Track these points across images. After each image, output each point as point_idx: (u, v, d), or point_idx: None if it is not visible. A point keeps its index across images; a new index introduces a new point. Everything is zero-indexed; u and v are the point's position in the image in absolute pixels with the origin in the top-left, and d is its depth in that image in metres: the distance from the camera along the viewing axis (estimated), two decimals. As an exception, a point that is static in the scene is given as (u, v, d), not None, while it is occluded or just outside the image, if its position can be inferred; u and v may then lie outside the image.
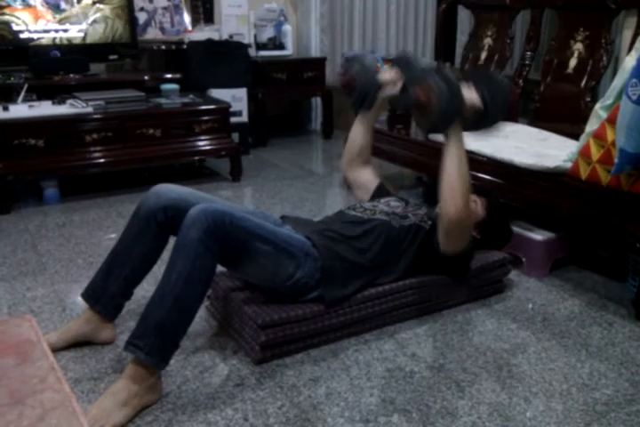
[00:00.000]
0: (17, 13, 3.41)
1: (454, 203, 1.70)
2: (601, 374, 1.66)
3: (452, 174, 1.71)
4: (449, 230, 1.77)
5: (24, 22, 3.43)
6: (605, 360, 1.72)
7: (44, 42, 3.51)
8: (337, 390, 1.58)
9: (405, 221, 1.90)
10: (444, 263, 1.89)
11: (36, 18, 3.47)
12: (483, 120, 1.74)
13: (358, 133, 2.13)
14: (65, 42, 3.55)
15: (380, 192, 2.12)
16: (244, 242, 1.59)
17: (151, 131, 3.16)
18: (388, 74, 1.92)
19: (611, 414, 1.49)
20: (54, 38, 3.53)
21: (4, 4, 3.35)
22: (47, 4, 3.46)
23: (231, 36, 3.99)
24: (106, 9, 3.61)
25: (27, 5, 3.42)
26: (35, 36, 3.47)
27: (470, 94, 1.69)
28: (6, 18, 3.38)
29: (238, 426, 1.44)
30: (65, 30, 3.54)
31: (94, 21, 3.60)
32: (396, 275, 1.86)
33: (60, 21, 3.53)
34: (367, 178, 2.16)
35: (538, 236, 2.23)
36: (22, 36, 3.44)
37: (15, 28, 3.41)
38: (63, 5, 3.51)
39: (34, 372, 0.96)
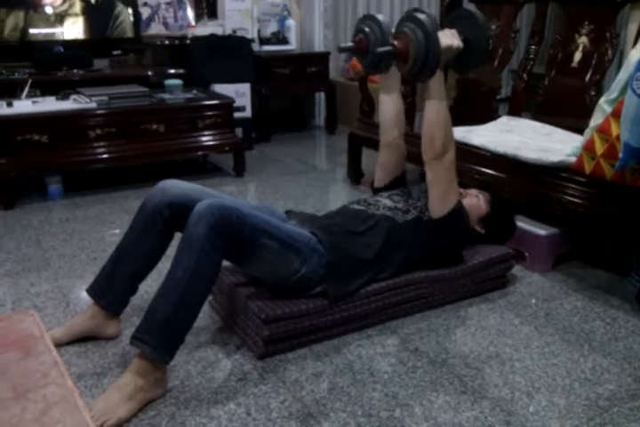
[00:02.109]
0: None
1: (432, 147, 1.81)
2: (604, 369, 1.66)
3: (432, 120, 1.80)
4: (431, 179, 1.84)
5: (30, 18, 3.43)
6: (608, 355, 1.72)
7: (47, 37, 3.51)
8: (340, 384, 1.58)
9: (408, 216, 1.90)
10: (441, 243, 1.90)
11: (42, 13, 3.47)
12: (466, 60, 1.80)
13: (386, 104, 2.08)
14: (68, 37, 3.55)
15: (399, 182, 2.16)
16: (250, 238, 1.59)
17: (155, 126, 3.16)
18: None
19: (613, 409, 1.49)
20: (58, 34, 3.53)
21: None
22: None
23: (234, 31, 3.99)
24: (110, 4, 3.61)
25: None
26: (39, 31, 3.47)
27: (451, 37, 1.72)
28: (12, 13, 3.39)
29: (241, 421, 1.45)
30: (69, 26, 3.54)
31: (98, 16, 3.60)
32: (400, 271, 1.86)
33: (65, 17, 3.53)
34: (398, 161, 2.18)
35: (541, 231, 2.23)
36: (27, 31, 3.44)
37: (20, 23, 3.41)
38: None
39: (37, 366, 0.97)
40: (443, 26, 1.80)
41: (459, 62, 1.83)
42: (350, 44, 1.82)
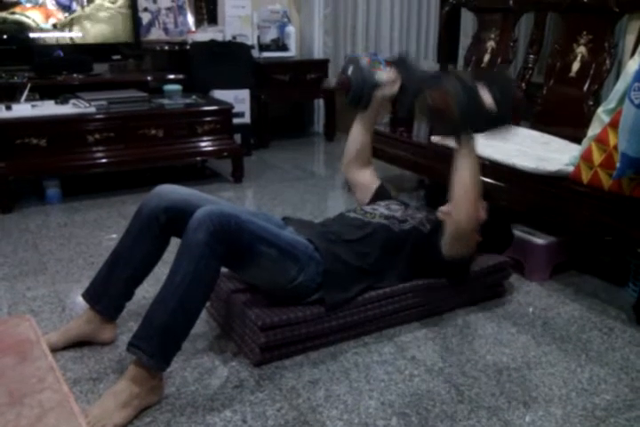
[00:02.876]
0: (27, 13, 3.42)
1: (466, 209, 1.71)
2: (601, 379, 1.65)
3: (466, 181, 1.69)
4: (457, 235, 1.77)
5: (34, 21, 3.43)
6: (605, 365, 1.72)
7: (48, 41, 3.51)
8: (336, 392, 1.58)
9: (405, 225, 1.90)
10: (444, 267, 1.88)
11: (47, 17, 3.47)
12: (496, 121, 1.72)
13: (357, 134, 2.13)
14: (69, 41, 3.56)
15: (380, 194, 2.13)
16: (248, 245, 1.59)
17: (153, 131, 3.16)
18: (386, 74, 1.94)
19: (610, 420, 1.49)
20: (58, 38, 3.53)
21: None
22: (58, 3, 3.47)
23: (234, 37, 3.99)
24: (110, 9, 3.62)
25: (36, 4, 3.43)
26: (41, 35, 3.48)
27: (485, 96, 1.66)
28: (16, 17, 3.39)
29: (237, 428, 1.44)
30: (70, 30, 3.54)
31: (99, 21, 3.60)
32: (396, 279, 1.86)
33: (71, 21, 3.53)
34: (367, 179, 2.17)
35: (539, 240, 2.23)
36: (29, 35, 3.45)
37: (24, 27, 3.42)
38: (75, 6, 3.52)
39: (33, 372, 0.96)
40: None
41: (487, 122, 1.73)
42: (334, 83, 1.91)
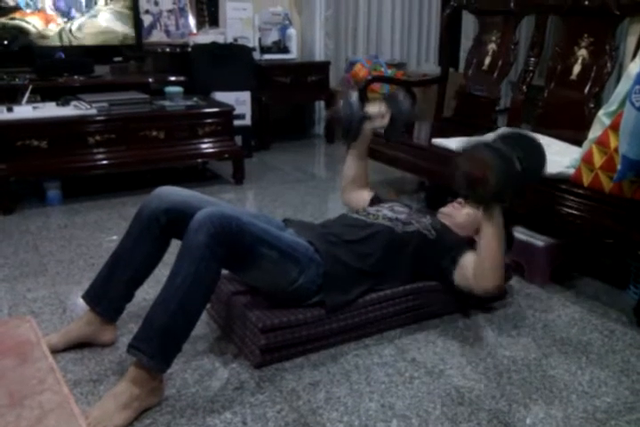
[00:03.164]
0: (27, 18, 3.43)
1: (494, 276, 1.72)
2: (601, 381, 1.65)
3: (494, 249, 1.69)
4: (484, 293, 1.78)
5: (34, 26, 3.44)
6: (606, 368, 1.72)
7: (49, 43, 3.52)
8: (336, 394, 1.57)
9: (409, 228, 1.90)
10: (445, 276, 1.89)
11: (47, 22, 3.48)
12: (524, 189, 1.73)
13: (351, 164, 2.23)
14: (70, 43, 3.56)
15: (375, 201, 2.17)
16: (249, 247, 1.59)
17: (154, 133, 3.17)
18: (374, 108, 2.07)
19: (611, 422, 1.49)
20: (60, 39, 3.54)
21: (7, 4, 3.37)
22: (57, 9, 3.48)
23: (236, 40, 4.00)
24: (112, 11, 3.62)
25: (36, 9, 3.43)
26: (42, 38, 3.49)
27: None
28: (16, 22, 3.40)
29: (237, 430, 1.44)
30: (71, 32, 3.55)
31: (100, 23, 3.61)
32: (397, 281, 1.86)
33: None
34: (363, 199, 2.22)
35: (539, 242, 2.23)
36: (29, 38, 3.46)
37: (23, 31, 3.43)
38: (74, 12, 3.52)
39: (33, 373, 0.96)
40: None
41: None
42: (330, 119, 2.07)
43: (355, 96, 1.99)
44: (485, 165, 1.59)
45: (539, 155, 1.72)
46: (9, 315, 1.95)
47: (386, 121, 2.06)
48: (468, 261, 1.80)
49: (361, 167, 2.22)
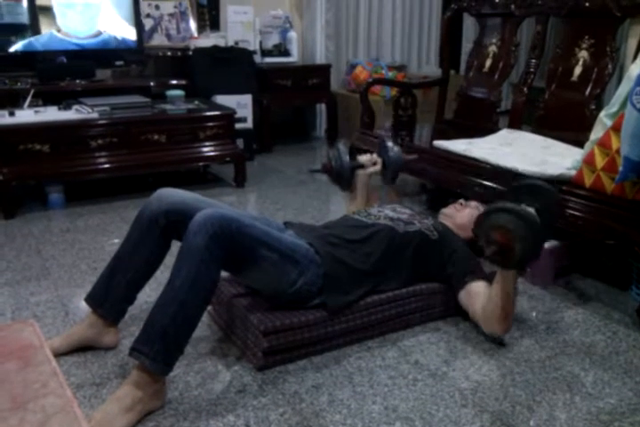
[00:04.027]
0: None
1: (505, 324, 1.76)
2: (605, 382, 1.65)
3: (506, 300, 1.71)
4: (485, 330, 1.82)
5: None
6: (609, 369, 1.71)
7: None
8: (339, 397, 1.57)
9: (410, 227, 1.90)
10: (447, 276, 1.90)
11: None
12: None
13: (351, 203, 2.27)
14: (72, 47, 3.57)
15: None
16: (249, 248, 1.59)
17: (156, 136, 3.17)
18: (365, 157, 2.14)
19: (615, 424, 1.48)
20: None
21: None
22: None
23: (237, 43, 4.01)
24: (113, 15, 3.63)
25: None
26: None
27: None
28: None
29: (240, 433, 1.44)
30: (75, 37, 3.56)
31: (102, 27, 3.62)
32: (399, 281, 1.86)
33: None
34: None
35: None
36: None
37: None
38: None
39: (36, 377, 0.96)
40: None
41: None
42: (319, 167, 2.16)
43: (343, 148, 2.08)
44: (510, 235, 1.60)
45: (553, 208, 1.81)
46: (12, 319, 1.95)
47: (378, 167, 2.14)
48: (476, 290, 1.83)
49: (362, 204, 2.24)
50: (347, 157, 2.07)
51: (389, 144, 2.13)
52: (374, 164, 2.14)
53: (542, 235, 1.67)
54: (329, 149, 2.19)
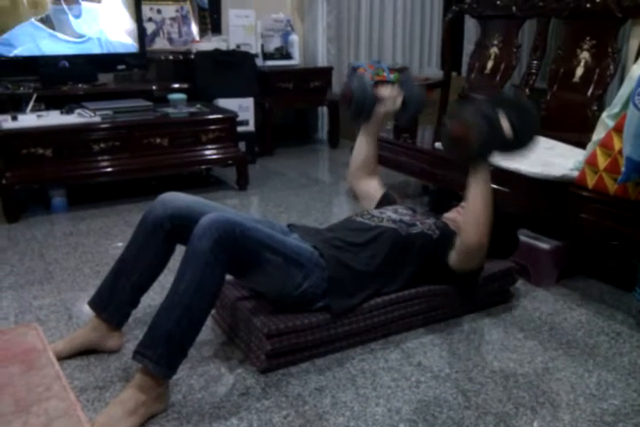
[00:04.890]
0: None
1: (477, 232, 1.73)
2: (608, 384, 1.65)
3: (478, 205, 1.72)
4: (466, 254, 1.80)
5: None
6: (613, 370, 1.71)
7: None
8: (342, 399, 1.57)
9: (413, 229, 1.90)
10: (451, 274, 1.88)
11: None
12: (514, 147, 1.73)
13: (362, 146, 2.17)
14: (74, 52, 3.58)
15: (385, 201, 2.13)
16: (253, 252, 1.60)
17: (158, 140, 3.18)
18: (386, 90, 2.00)
19: (618, 425, 1.48)
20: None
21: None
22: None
23: (238, 46, 4.01)
24: (115, 19, 3.64)
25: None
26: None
27: (504, 125, 1.67)
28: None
29: (243, 435, 1.44)
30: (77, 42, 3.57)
31: (104, 31, 3.63)
32: (402, 283, 1.86)
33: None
34: (372, 189, 2.18)
35: (544, 245, 2.22)
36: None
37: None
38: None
39: (39, 380, 0.97)
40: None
41: (504, 148, 1.75)
42: (338, 96, 1.98)
43: (368, 76, 1.96)
44: (468, 126, 1.63)
45: (530, 119, 1.72)
46: (15, 322, 1.96)
47: (398, 104, 2.00)
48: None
49: (371, 149, 2.16)
50: (371, 88, 1.93)
51: (412, 78, 1.98)
52: (394, 100, 1.99)
53: (511, 137, 1.66)
54: (350, 77, 2.04)
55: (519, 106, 1.73)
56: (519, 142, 1.70)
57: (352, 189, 2.27)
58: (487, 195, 1.72)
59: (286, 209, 3.13)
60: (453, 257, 1.83)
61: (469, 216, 1.75)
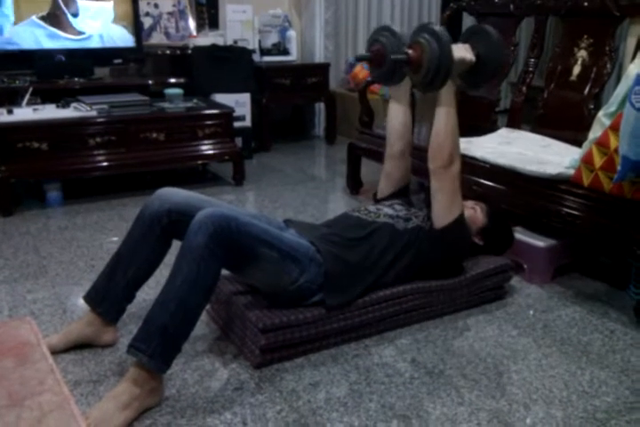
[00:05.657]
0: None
1: (440, 155, 1.82)
2: (601, 381, 1.65)
3: (441, 129, 1.81)
4: (437, 188, 1.84)
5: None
6: (606, 368, 1.72)
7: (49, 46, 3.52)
8: (336, 395, 1.57)
9: (409, 224, 1.90)
10: (444, 260, 1.90)
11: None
12: (476, 75, 1.82)
13: (397, 109, 2.09)
14: (70, 46, 3.57)
15: (399, 194, 2.12)
16: (249, 247, 1.60)
17: (155, 135, 3.17)
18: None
19: (611, 422, 1.49)
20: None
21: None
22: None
23: (235, 42, 4.00)
24: (112, 13, 3.63)
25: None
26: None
27: (464, 51, 1.77)
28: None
29: (237, 430, 1.44)
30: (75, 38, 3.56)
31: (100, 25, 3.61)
32: (398, 277, 1.86)
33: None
34: (400, 175, 2.13)
35: (540, 242, 2.23)
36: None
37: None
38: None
39: (33, 374, 0.96)
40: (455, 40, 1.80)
41: (468, 77, 1.85)
42: (366, 53, 1.89)
43: (399, 28, 1.84)
44: (422, 47, 1.72)
45: (495, 46, 1.80)
46: (9, 316, 1.95)
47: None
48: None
49: (407, 114, 2.08)
50: (405, 45, 1.78)
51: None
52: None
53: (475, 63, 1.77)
54: (378, 32, 1.88)
55: (484, 35, 1.82)
56: (484, 70, 1.80)
57: (387, 171, 2.14)
58: (449, 119, 1.80)
59: (282, 205, 3.12)
60: (433, 212, 1.87)
61: (433, 141, 1.83)
